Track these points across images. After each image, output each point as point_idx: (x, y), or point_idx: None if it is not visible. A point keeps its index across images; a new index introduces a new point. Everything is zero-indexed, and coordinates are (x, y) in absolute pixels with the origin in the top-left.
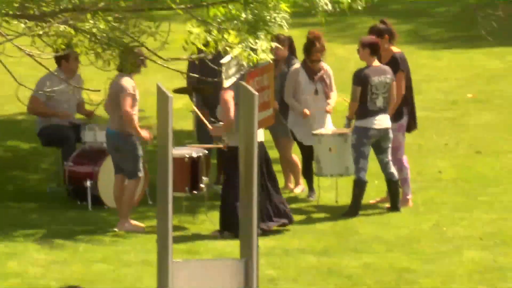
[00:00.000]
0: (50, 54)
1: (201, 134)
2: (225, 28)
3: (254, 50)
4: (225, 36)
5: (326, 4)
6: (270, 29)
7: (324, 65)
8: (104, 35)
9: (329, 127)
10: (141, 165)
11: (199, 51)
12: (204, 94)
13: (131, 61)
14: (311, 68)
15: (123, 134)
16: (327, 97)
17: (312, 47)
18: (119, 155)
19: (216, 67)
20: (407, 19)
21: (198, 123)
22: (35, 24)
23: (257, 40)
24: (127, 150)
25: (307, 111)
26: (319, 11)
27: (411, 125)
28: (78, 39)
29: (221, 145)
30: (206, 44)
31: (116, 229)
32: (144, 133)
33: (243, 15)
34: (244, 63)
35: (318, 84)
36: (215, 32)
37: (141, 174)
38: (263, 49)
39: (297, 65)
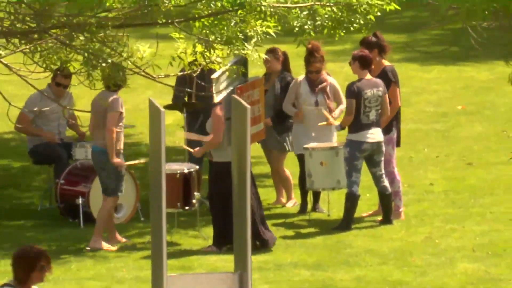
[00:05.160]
0: (39, 74)
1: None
2: (212, 41)
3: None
4: (212, 50)
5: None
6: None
7: (328, 77)
8: (95, 52)
9: (333, 140)
10: (122, 185)
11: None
12: (195, 109)
13: (117, 78)
14: (312, 79)
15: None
16: (329, 110)
17: (311, 58)
18: (104, 173)
19: (204, 83)
20: (398, 32)
21: (189, 140)
22: (22, 42)
23: (246, 45)
24: (111, 167)
25: (299, 114)
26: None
27: (399, 139)
28: (72, 57)
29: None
30: (195, 60)
31: (88, 247)
32: (117, 160)
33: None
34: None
35: (319, 96)
36: (200, 47)
37: (120, 194)
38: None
39: (301, 76)
